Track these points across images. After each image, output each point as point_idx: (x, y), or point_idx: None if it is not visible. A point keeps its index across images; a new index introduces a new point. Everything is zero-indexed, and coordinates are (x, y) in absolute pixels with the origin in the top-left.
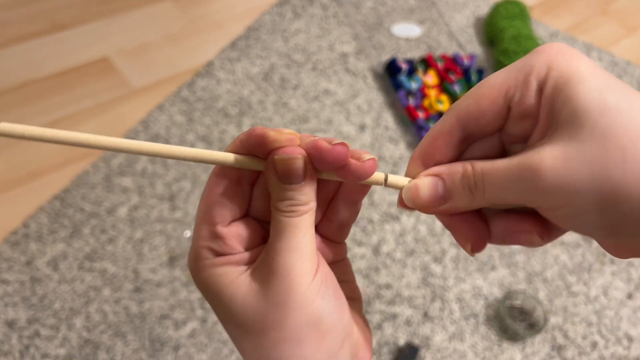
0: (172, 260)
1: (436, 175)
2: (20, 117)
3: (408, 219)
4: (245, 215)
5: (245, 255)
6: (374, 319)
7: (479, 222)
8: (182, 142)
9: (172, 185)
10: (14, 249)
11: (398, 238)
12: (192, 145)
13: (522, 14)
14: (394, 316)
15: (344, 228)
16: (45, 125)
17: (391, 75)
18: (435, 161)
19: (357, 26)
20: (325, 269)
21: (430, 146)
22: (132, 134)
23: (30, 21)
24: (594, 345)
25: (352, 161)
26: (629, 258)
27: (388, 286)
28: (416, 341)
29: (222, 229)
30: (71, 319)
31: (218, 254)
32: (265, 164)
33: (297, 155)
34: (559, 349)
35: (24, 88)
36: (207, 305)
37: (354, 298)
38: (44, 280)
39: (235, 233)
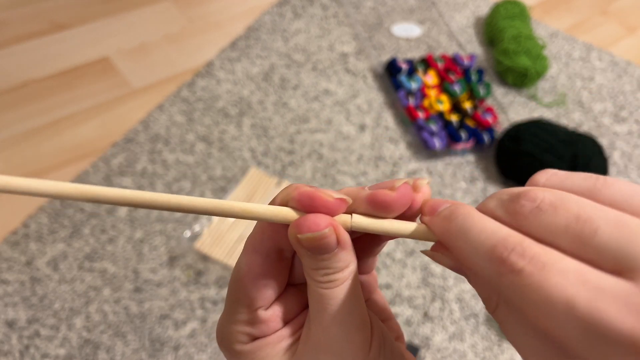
0: (172, 260)
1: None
2: (20, 117)
3: None
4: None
5: (286, 331)
6: None
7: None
8: (182, 142)
9: (172, 185)
10: (14, 249)
11: (398, 238)
12: (193, 145)
13: (522, 14)
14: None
15: (373, 263)
16: (45, 125)
17: (391, 75)
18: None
19: (357, 26)
20: (380, 331)
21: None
22: (132, 134)
23: (30, 21)
24: None
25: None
26: None
27: (388, 286)
28: (416, 341)
29: (264, 313)
30: (71, 319)
31: (256, 337)
32: (289, 235)
33: (324, 231)
34: None
35: (24, 88)
36: (207, 305)
37: (397, 337)
38: (44, 280)
39: (278, 312)
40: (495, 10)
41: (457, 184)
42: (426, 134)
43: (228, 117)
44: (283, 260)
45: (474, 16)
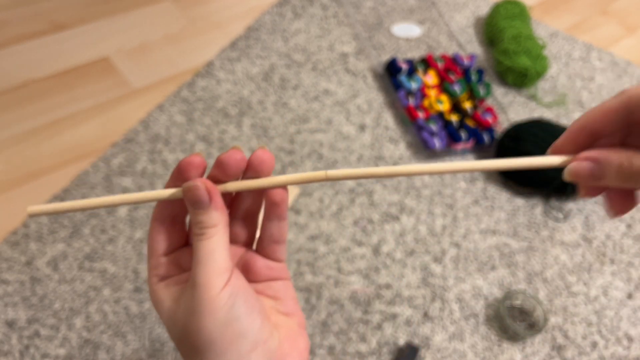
0: None
1: (593, 159)
2: (20, 117)
3: (408, 219)
4: (187, 244)
5: (184, 276)
6: (374, 319)
7: (628, 193)
8: (182, 142)
9: None
10: (14, 249)
11: (398, 238)
12: (193, 145)
13: (522, 14)
14: (394, 316)
15: (278, 246)
16: (45, 125)
17: (391, 75)
18: (594, 135)
19: (357, 26)
20: (239, 282)
21: (593, 121)
22: (132, 134)
23: (30, 21)
24: (594, 345)
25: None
26: None
27: (388, 286)
28: (416, 341)
29: (163, 259)
30: (71, 319)
31: (162, 278)
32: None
33: (197, 183)
34: (559, 349)
35: (24, 88)
36: None
37: (288, 314)
38: (44, 280)
39: (176, 260)
40: (495, 10)
41: (457, 184)
42: (426, 134)
43: (228, 117)
44: (177, 224)
45: (474, 16)
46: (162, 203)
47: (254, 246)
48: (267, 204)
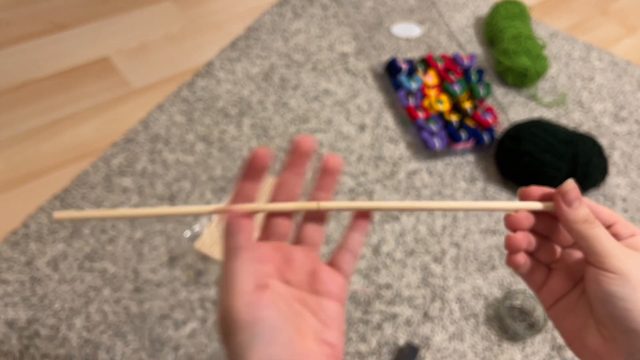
0: (172, 260)
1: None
2: (20, 117)
3: (408, 219)
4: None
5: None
6: (373, 319)
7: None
8: (182, 142)
9: (172, 185)
10: (14, 249)
11: (398, 238)
12: (193, 145)
13: (522, 14)
14: (394, 316)
15: (351, 256)
16: (45, 125)
17: (391, 75)
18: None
19: (357, 26)
20: (280, 289)
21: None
22: (132, 134)
23: (30, 21)
24: None
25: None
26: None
27: (388, 286)
28: (416, 341)
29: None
30: (71, 319)
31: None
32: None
33: (232, 215)
34: (559, 349)
35: (24, 88)
36: (207, 305)
37: (329, 344)
38: (44, 280)
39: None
40: (495, 10)
41: (457, 184)
42: (426, 134)
43: (228, 117)
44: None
45: (474, 16)
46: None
47: (329, 257)
48: (355, 218)
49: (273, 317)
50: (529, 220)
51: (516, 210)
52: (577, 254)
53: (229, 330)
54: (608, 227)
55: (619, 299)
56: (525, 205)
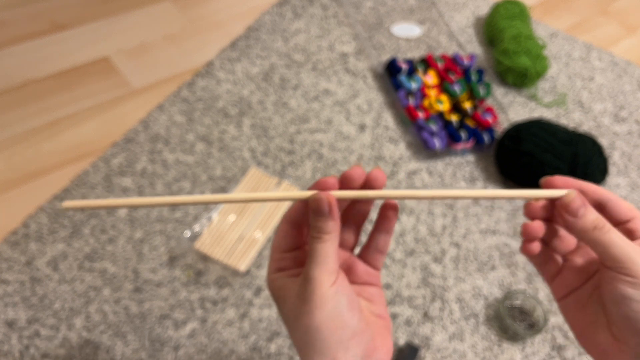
0: (172, 260)
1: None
2: (20, 117)
3: (408, 219)
4: (303, 245)
5: (298, 270)
6: None
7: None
8: (182, 142)
9: (172, 185)
10: (14, 249)
11: (398, 238)
12: (193, 145)
13: (522, 14)
14: (394, 316)
15: (380, 255)
16: (45, 125)
17: (391, 75)
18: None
19: (357, 26)
20: (344, 283)
21: None
22: (132, 134)
23: (30, 21)
24: None
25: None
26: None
27: (388, 286)
28: (416, 341)
29: (283, 254)
30: (71, 319)
31: (280, 269)
32: (308, 202)
33: (322, 196)
34: (559, 349)
35: (24, 88)
36: (207, 305)
37: (379, 316)
38: (44, 280)
39: (291, 256)
40: (495, 10)
41: (457, 184)
42: (426, 134)
43: (228, 117)
44: (298, 228)
45: (474, 16)
46: (295, 209)
47: (358, 251)
48: (379, 218)
49: (348, 294)
50: (547, 210)
51: (537, 199)
52: None
53: (309, 300)
54: (625, 222)
55: (634, 301)
56: (546, 193)
